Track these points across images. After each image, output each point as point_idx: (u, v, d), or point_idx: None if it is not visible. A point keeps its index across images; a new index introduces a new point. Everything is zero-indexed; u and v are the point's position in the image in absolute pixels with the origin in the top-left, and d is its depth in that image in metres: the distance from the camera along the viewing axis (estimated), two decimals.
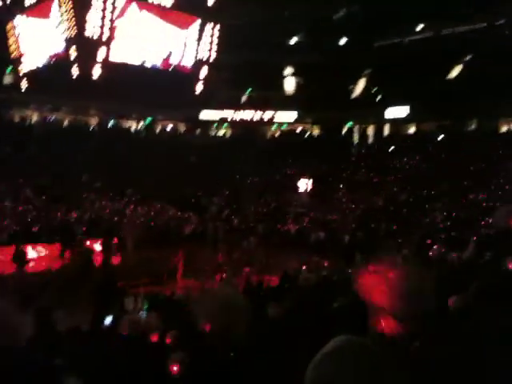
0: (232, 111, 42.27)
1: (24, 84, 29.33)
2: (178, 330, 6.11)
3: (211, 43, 27.12)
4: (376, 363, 1.33)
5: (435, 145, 35.36)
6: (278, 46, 42.46)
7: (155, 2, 24.33)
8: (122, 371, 4.70)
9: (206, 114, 42.55)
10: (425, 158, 33.99)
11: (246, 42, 39.07)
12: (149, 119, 43.78)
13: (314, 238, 24.09)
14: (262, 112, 42.18)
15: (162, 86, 25.78)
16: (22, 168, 30.50)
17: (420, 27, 40.35)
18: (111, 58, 23.92)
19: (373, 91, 42.51)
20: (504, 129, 35.99)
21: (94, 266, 16.80)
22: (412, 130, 40.93)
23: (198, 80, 27.34)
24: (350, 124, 43.28)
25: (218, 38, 26.77)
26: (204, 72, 27.40)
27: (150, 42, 24.81)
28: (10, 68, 33.90)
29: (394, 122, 40.73)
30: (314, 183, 31.28)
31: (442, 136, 36.49)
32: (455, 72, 37.94)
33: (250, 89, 44.00)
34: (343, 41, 44.23)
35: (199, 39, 26.55)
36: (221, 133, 45.74)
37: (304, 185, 30.45)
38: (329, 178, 34.80)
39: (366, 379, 1.30)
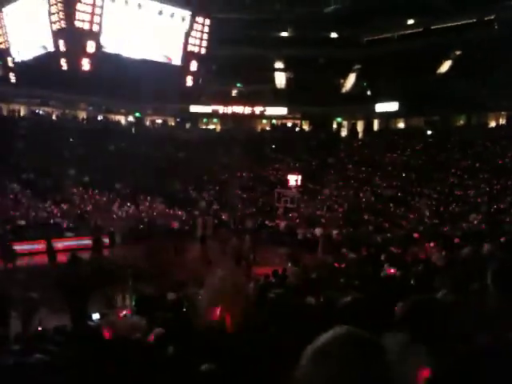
0: (222, 106, 42.12)
1: (12, 77, 29.00)
2: (164, 328, 6.08)
3: (201, 37, 26.89)
4: (378, 357, 1.32)
5: (424, 140, 35.44)
6: (269, 41, 42.38)
7: None
8: (103, 372, 4.68)
9: (196, 108, 42.40)
10: (413, 153, 34.09)
11: (237, 36, 38.98)
12: (138, 114, 43.53)
13: (303, 234, 24.11)
14: (251, 106, 42.07)
15: (152, 79, 25.57)
16: (9, 162, 30.26)
17: (410, 22, 40.44)
18: (104, 50, 23.61)
19: (362, 86, 42.60)
20: (493, 123, 36.18)
21: (81, 262, 16.68)
22: (401, 125, 41.05)
23: (188, 73, 27.11)
24: (339, 119, 43.33)
25: (208, 32, 26.54)
26: (194, 65, 27.16)
27: (141, 34, 24.47)
28: None
29: (384, 118, 40.80)
30: (303, 178, 31.25)
31: (431, 131, 36.61)
32: (445, 67, 38.08)
33: (239, 83, 43.91)
34: (333, 35, 44.27)
35: (189, 32, 26.30)
36: (210, 127, 45.63)
37: (293, 180, 30.40)
38: (318, 173, 34.85)
39: (368, 373, 1.28)
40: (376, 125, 42.24)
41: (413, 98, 35.88)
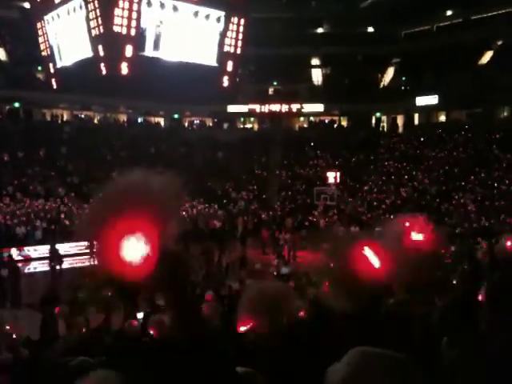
0: (259, 105, 42.14)
1: (54, 83, 29.75)
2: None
3: (237, 37, 26.89)
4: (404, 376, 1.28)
5: (466, 133, 34.58)
6: (305, 38, 42.20)
7: None
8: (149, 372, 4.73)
9: (233, 108, 42.58)
10: (455, 147, 33.33)
11: (273, 35, 38.98)
12: (176, 115, 44.04)
13: (343, 232, 23.87)
14: (288, 104, 41.93)
15: (189, 81, 25.77)
16: (54, 166, 31.12)
17: (449, 13, 39.59)
18: (142, 54, 23.90)
19: (401, 80, 41.95)
20: None
21: None
22: (442, 118, 40.21)
23: (224, 74, 27.15)
24: (378, 114, 42.74)
25: (244, 32, 26.52)
26: (230, 65, 27.19)
27: (177, 36, 24.66)
28: (40, 67, 34.59)
29: (423, 112, 40.02)
30: (342, 175, 30.98)
31: (473, 124, 35.69)
32: (486, 58, 37.11)
33: (275, 82, 43.85)
34: (371, 30, 43.75)
35: (225, 33, 26.32)
36: (248, 126, 45.75)
37: (332, 177, 30.17)
38: (358, 169, 34.50)
39: None
40: (416, 119, 41.49)
41: (454, 90, 35.08)
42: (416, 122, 41.42)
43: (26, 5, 30.57)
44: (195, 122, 45.82)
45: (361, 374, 1.27)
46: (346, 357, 1.34)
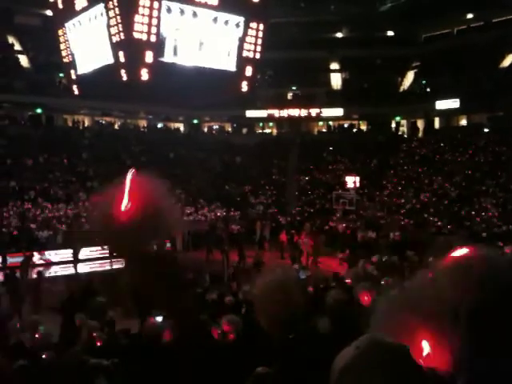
0: (277, 109, 42.14)
1: (75, 89, 30.14)
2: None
3: (256, 42, 26.94)
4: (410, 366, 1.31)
5: (487, 137, 34.15)
6: (324, 42, 42.16)
7: (202, 1, 24.30)
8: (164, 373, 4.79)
9: (252, 113, 42.67)
10: (476, 150, 32.93)
11: (291, 39, 39.01)
12: (195, 120, 44.31)
13: (362, 236, 23.76)
14: (307, 109, 41.85)
15: (208, 86, 25.92)
16: (75, 171, 31.51)
17: (469, 16, 39.23)
18: (161, 59, 24.11)
19: (421, 84, 41.64)
20: None
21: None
22: (463, 122, 39.77)
23: (243, 79, 27.21)
24: (398, 118, 42.46)
25: (263, 37, 26.57)
26: (249, 71, 27.24)
27: (196, 42, 24.82)
28: (62, 74, 35.09)
29: (444, 115, 39.62)
30: (361, 180, 30.77)
31: (494, 127, 35.23)
32: (508, 61, 36.67)
33: (294, 86, 43.85)
34: (390, 34, 43.56)
35: (244, 38, 26.40)
36: (266, 131, 45.81)
37: (351, 182, 29.99)
38: (377, 174, 34.28)
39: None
40: (437, 123, 41.10)
41: (475, 93, 34.69)
42: (436, 125, 41.05)
43: (48, 12, 31.08)
44: (214, 127, 46.06)
45: (366, 358, 1.31)
46: (356, 341, 1.38)
